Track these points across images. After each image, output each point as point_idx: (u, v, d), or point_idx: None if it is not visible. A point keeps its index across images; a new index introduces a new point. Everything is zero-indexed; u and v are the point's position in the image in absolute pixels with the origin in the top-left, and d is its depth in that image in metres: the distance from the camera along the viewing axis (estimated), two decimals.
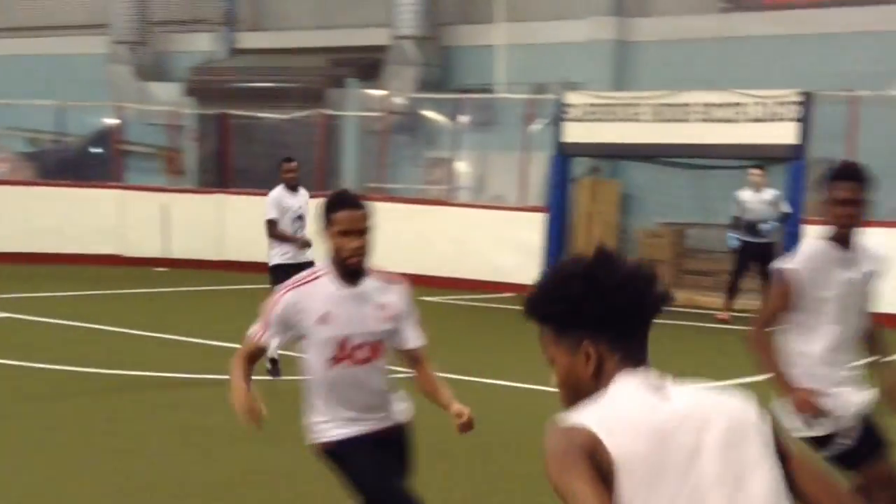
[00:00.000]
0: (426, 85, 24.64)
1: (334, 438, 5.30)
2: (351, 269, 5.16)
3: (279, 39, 27.31)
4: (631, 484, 2.58)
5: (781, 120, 18.54)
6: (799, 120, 18.43)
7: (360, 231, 5.13)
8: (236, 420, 5.09)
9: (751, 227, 17.59)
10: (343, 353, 5.19)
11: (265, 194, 12.72)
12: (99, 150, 25.95)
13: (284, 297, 5.22)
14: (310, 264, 11.90)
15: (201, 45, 27.99)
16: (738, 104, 18.87)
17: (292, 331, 5.22)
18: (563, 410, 2.74)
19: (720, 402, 2.75)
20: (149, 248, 22.48)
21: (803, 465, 2.87)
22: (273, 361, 11.13)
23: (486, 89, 23.97)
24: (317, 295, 5.17)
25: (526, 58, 23.64)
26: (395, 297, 5.34)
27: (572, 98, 20.20)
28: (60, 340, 13.56)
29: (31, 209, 22.11)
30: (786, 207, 17.83)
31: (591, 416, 2.62)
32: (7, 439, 8.72)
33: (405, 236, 20.19)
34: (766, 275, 17.53)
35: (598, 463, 2.56)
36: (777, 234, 17.93)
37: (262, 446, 8.45)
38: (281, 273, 10.69)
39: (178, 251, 22.40)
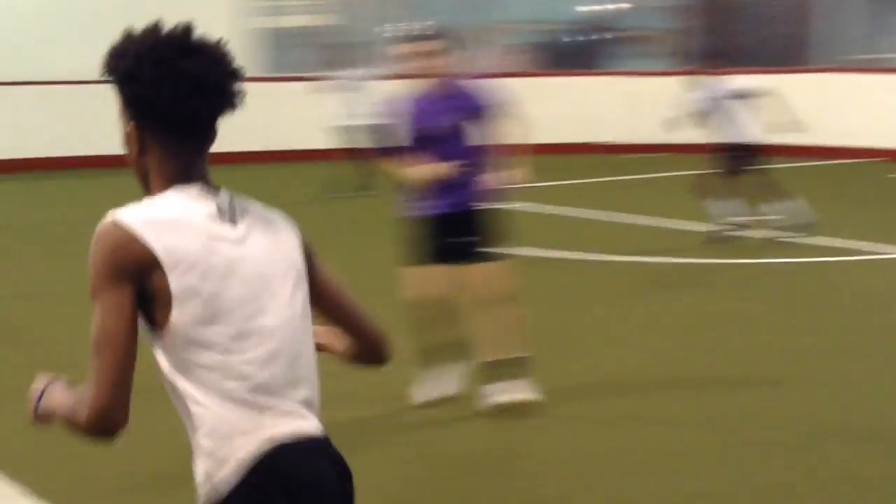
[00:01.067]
0: None
1: None
2: None
3: None
4: (187, 304, 2.51)
5: None
6: None
7: None
8: None
9: None
10: None
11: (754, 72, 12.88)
12: (595, 37, 26.48)
13: None
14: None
15: None
16: None
17: None
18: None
19: (276, 234, 2.68)
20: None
21: (329, 286, 2.80)
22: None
23: None
24: None
25: None
26: None
27: None
28: (602, 232, 13.90)
29: (542, 99, 22.72)
30: None
31: (146, 220, 2.52)
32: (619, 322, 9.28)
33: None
34: None
35: (143, 275, 2.49)
36: None
37: None
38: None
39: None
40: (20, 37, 20.53)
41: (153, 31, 2.61)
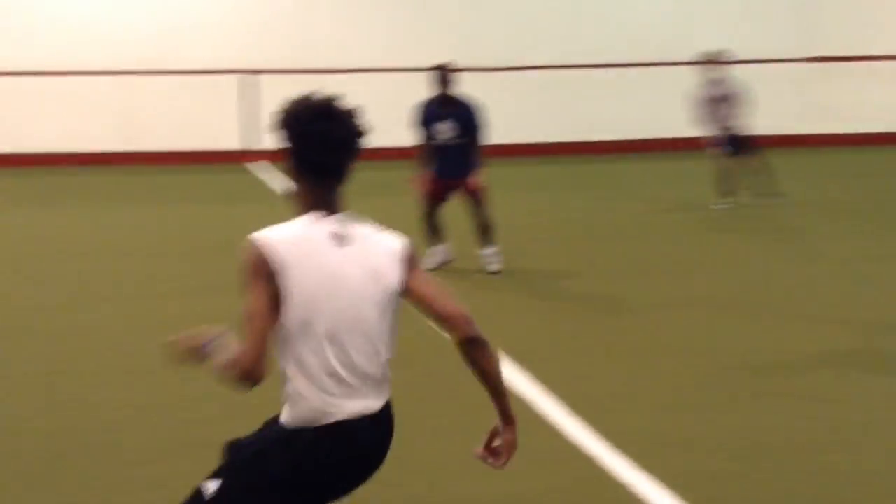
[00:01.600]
0: None
1: None
2: None
3: None
4: (295, 304, 3.55)
5: None
6: None
7: None
8: None
9: None
10: None
11: None
12: None
13: None
14: None
15: None
16: None
17: None
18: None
19: (376, 254, 3.66)
20: None
21: (420, 287, 3.73)
22: None
23: None
24: None
25: None
26: None
27: None
28: None
29: None
30: None
31: (275, 240, 3.56)
32: None
33: None
34: None
35: (272, 278, 3.53)
36: None
37: None
38: None
39: None
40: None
41: (302, 100, 3.68)
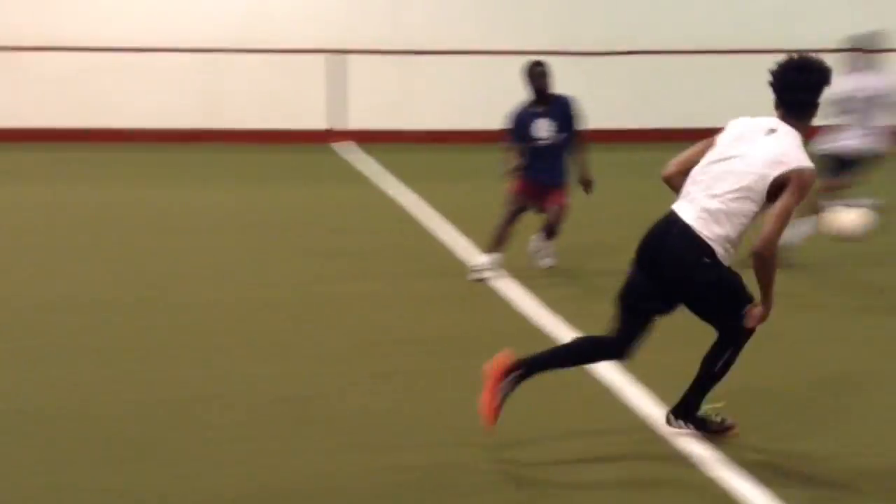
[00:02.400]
0: None
1: None
2: None
3: None
4: (714, 150, 5.55)
5: None
6: None
7: None
8: None
9: None
10: None
11: None
12: None
13: None
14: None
15: None
16: None
17: None
18: None
19: (782, 153, 5.37)
20: None
21: (785, 196, 5.35)
22: None
23: None
24: None
25: None
26: None
27: None
28: None
29: None
30: None
31: (733, 121, 5.63)
32: None
33: None
34: None
35: (714, 135, 5.62)
36: None
37: None
38: None
39: None
40: None
41: (790, 59, 5.53)
